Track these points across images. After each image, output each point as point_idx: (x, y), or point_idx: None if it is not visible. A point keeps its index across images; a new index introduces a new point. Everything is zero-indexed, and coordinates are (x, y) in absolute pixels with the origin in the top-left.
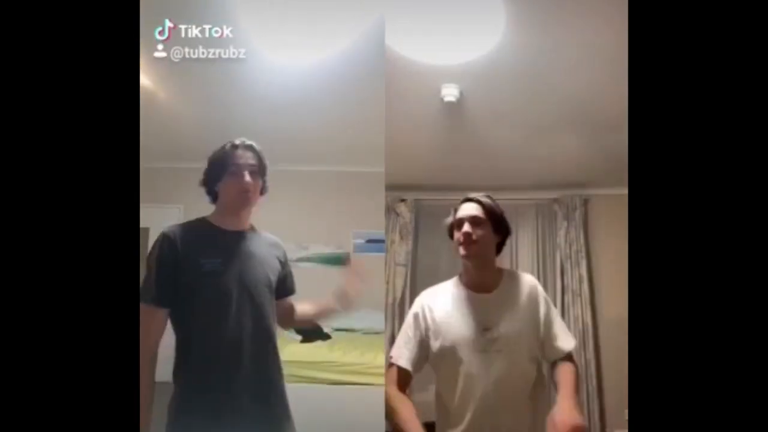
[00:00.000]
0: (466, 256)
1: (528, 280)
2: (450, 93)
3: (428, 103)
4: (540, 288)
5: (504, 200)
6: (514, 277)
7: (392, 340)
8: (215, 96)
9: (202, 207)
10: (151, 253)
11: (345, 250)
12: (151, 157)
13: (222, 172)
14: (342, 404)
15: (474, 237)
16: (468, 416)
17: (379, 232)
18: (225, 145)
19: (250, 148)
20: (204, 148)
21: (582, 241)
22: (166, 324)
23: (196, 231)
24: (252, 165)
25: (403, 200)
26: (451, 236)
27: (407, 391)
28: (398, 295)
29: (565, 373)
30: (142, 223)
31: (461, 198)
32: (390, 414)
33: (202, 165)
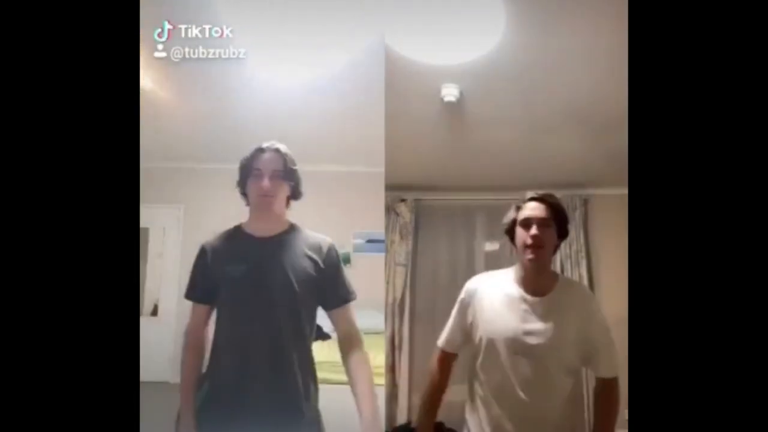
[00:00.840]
0: (533, 261)
1: (584, 293)
2: (450, 93)
3: (428, 103)
4: (597, 304)
5: (504, 200)
6: (569, 286)
7: (392, 340)
8: (215, 96)
9: (203, 207)
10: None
11: (345, 250)
12: (151, 157)
13: (249, 176)
14: (342, 404)
15: (543, 241)
16: (494, 407)
17: (379, 232)
18: (254, 149)
19: (276, 152)
20: (204, 148)
21: (582, 241)
22: (206, 318)
23: (228, 240)
24: (275, 169)
25: (403, 200)
26: (510, 234)
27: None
28: (398, 295)
29: (601, 402)
30: (142, 223)
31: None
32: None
33: (202, 165)
